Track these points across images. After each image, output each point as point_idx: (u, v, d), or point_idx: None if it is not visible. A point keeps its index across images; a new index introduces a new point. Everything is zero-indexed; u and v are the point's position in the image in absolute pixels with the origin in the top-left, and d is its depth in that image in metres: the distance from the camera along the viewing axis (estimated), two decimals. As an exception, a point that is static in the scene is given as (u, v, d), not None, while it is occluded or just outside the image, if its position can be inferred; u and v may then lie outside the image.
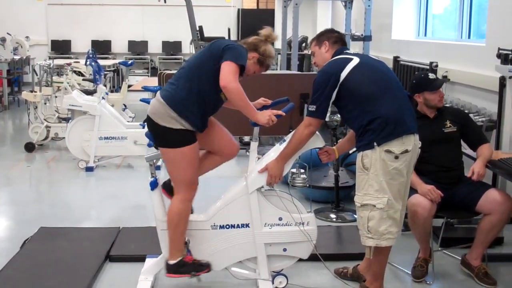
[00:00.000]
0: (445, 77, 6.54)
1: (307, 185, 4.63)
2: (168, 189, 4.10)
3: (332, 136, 5.71)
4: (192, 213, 4.06)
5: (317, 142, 3.93)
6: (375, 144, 3.62)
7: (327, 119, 6.53)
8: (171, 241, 3.89)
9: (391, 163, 3.63)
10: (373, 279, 3.92)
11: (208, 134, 4.00)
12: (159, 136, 3.84)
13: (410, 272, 4.35)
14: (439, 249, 4.66)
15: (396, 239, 3.78)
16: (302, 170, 4.65)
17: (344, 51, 3.91)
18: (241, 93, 3.66)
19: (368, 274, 4.04)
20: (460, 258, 4.47)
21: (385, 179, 3.64)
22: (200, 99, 3.77)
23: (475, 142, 4.39)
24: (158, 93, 3.89)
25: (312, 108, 3.73)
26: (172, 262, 3.89)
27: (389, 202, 3.67)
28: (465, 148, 4.51)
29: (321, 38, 4.01)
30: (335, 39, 3.97)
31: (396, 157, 3.63)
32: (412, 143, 3.69)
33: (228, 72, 3.63)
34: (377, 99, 3.67)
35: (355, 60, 3.74)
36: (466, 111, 5.40)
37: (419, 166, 4.09)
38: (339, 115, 5.31)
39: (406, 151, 3.65)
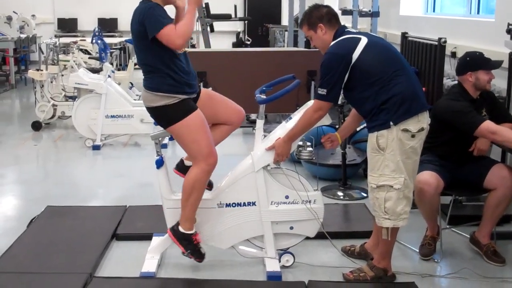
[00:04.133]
0: (454, 53, 6.47)
1: (313, 158, 4.60)
2: (181, 169, 4.11)
3: (339, 113, 5.67)
4: (211, 187, 4.06)
5: (324, 120, 3.89)
6: (391, 123, 3.59)
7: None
8: (183, 208, 3.86)
9: (408, 142, 3.61)
10: (380, 258, 3.90)
11: (212, 106, 3.99)
12: (160, 117, 3.85)
13: (418, 250, 4.33)
14: (447, 227, 4.63)
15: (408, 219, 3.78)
16: (309, 143, 4.63)
17: (346, 30, 3.82)
18: (185, 28, 3.72)
19: (375, 252, 4.02)
20: (468, 236, 4.45)
21: (401, 158, 3.62)
22: (168, 70, 3.75)
23: (499, 120, 4.31)
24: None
25: (323, 91, 3.65)
26: (182, 229, 3.88)
27: (405, 181, 3.66)
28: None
29: (311, 20, 3.84)
30: (328, 17, 3.81)
31: (413, 136, 3.61)
32: (426, 121, 3.68)
33: (167, 38, 3.64)
34: (392, 77, 3.61)
35: (364, 39, 3.67)
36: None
37: (438, 142, 4.21)
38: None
39: (422, 129, 3.65)
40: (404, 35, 6.52)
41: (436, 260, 4.25)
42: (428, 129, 3.76)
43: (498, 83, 5.54)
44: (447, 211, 4.51)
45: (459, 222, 4.68)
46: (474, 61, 4.27)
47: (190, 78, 3.86)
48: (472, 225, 4.49)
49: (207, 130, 3.83)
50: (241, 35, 13.81)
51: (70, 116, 7.91)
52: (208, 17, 9.73)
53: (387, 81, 3.60)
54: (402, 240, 4.48)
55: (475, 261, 4.25)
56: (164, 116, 3.82)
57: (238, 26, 15.66)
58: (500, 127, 4.06)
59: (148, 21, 3.66)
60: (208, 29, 9.69)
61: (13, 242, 4.43)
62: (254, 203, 3.94)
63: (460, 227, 4.66)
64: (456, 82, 4.54)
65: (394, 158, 3.62)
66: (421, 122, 3.65)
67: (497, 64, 4.29)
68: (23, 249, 4.34)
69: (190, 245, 3.91)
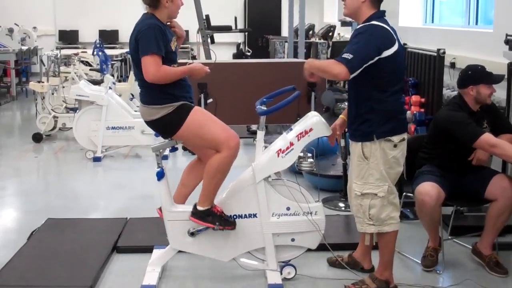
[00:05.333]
0: (453, 64, 6.47)
1: (314, 169, 4.59)
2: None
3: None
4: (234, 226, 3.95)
5: (325, 131, 3.89)
6: (374, 137, 3.64)
7: (334, 107, 6.51)
8: (204, 189, 3.84)
9: (390, 152, 3.66)
10: (383, 269, 3.89)
11: None
12: (162, 128, 3.87)
13: (420, 262, 4.32)
14: (449, 237, 4.62)
15: (398, 224, 3.80)
16: (309, 154, 4.62)
17: (384, 17, 3.69)
18: (166, 75, 3.70)
19: (366, 260, 4.09)
20: (470, 247, 4.44)
21: (384, 168, 3.67)
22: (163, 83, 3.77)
23: (499, 130, 4.31)
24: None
25: (348, 56, 3.48)
26: (200, 208, 3.84)
27: (389, 189, 3.71)
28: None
29: None
30: None
31: (395, 146, 3.67)
32: (406, 132, 3.77)
33: (146, 67, 3.67)
34: (391, 93, 3.65)
35: (396, 46, 3.60)
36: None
37: (439, 151, 4.24)
38: (346, 103, 5.24)
39: (403, 139, 3.72)
40: (403, 46, 6.54)
41: (438, 272, 4.23)
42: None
43: (497, 93, 5.53)
44: (449, 222, 4.51)
45: (461, 232, 4.67)
46: (476, 75, 4.26)
47: (185, 90, 3.88)
48: (474, 236, 4.47)
49: (214, 118, 3.84)
50: (241, 46, 13.82)
51: (71, 128, 7.92)
52: (209, 29, 9.74)
53: (387, 93, 3.63)
54: (404, 251, 4.46)
55: (477, 272, 4.23)
56: (166, 126, 3.83)
57: (239, 37, 15.69)
58: (499, 141, 4.05)
59: (141, 40, 3.70)
60: (209, 40, 9.71)
61: (14, 254, 4.42)
62: (255, 215, 3.93)
63: (462, 238, 4.65)
64: (456, 92, 4.54)
65: (378, 167, 3.67)
66: (402, 134, 3.73)
67: (499, 78, 4.29)
68: (24, 262, 4.33)
69: (216, 218, 3.84)
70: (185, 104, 3.82)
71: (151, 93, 3.79)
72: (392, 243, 3.85)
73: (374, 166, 3.66)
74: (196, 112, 3.81)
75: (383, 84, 3.62)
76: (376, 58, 3.54)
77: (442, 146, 4.27)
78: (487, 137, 4.01)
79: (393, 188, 3.74)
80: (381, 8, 3.72)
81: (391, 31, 3.64)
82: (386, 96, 3.63)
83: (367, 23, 3.64)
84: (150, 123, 3.87)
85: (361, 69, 3.53)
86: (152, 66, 3.66)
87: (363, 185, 3.71)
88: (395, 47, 3.60)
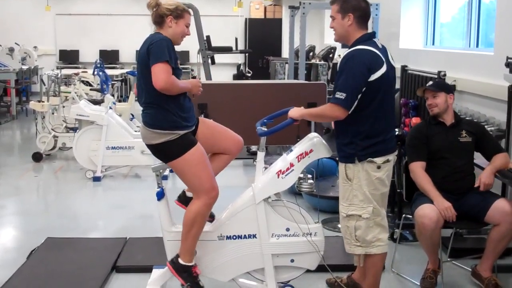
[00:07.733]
0: (453, 86, 6.49)
1: (314, 190, 4.60)
2: (183, 201, 4.06)
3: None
4: (213, 219, 4.01)
5: (325, 152, 3.90)
6: (356, 159, 3.65)
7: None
8: (184, 241, 3.83)
9: (374, 173, 3.65)
10: None
11: (210, 137, 3.98)
12: (161, 153, 3.83)
13: (419, 284, 4.31)
14: (449, 259, 4.61)
15: (387, 246, 3.80)
16: (309, 175, 4.62)
17: (373, 39, 3.71)
18: (174, 85, 3.67)
19: (364, 282, 4.03)
20: (469, 269, 4.43)
21: (368, 189, 3.66)
22: (166, 103, 3.73)
23: (492, 153, 4.34)
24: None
25: (341, 95, 3.52)
26: (181, 261, 3.84)
27: (375, 210, 3.70)
28: (476, 158, 4.48)
29: (346, 5, 3.68)
30: (360, 13, 3.69)
31: (379, 167, 3.66)
32: (393, 155, 3.75)
33: (157, 75, 3.61)
34: (378, 118, 3.65)
35: (384, 67, 3.60)
36: (475, 120, 5.37)
37: (430, 172, 4.25)
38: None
39: (388, 160, 3.70)
40: (404, 68, 6.56)
41: (437, 294, 4.23)
42: (395, 160, 3.82)
43: (497, 115, 5.56)
44: (448, 244, 4.50)
45: (460, 255, 4.67)
46: None
47: (189, 112, 3.87)
48: (473, 258, 4.47)
49: (207, 163, 3.83)
50: (242, 67, 13.88)
51: (71, 148, 7.94)
52: (209, 50, 9.79)
53: (374, 119, 3.63)
54: (403, 273, 4.46)
55: (476, 294, 4.23)
56: (165, 153, 3.81)
57: (239, 58, 15.76)
58: (419, 174, 4.29)
59: (154, 49, 3.66)
60: (209, 61, 9.76)
61: (13, 274, 4.41)
62: (254, 236, 3.93)
63: (462, 260, 4.64)
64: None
65: (361, 189, 3.67)
66: (387, 155, 3.70)
67: (419, 90, 4.55)
68: (23, 281, 4.32)
69: (190, 278, 3.86)
70: (188, 135, 3.80)
71: (155, 115, 3.75)
72: (379, 265, 3.85)
73: (357, 187, 3.67)
74: (197, 151, 3.77)
75: (367, 107, 3.61)
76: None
77: (435, 166, 4.30)
78: (413, 166, 4.32)
79: (380, 209, 3.72)
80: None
81: (378, 52, 3.62)
82: (373, 122, 3.63)
83: (353, 48, 3.65)
84: (150, 146, 3.85)
85: (358, 98, 3.56)
86: (164, 73, 3.60)
87: (348, 207, 3.73)
88: (382, 69, 3.59)
